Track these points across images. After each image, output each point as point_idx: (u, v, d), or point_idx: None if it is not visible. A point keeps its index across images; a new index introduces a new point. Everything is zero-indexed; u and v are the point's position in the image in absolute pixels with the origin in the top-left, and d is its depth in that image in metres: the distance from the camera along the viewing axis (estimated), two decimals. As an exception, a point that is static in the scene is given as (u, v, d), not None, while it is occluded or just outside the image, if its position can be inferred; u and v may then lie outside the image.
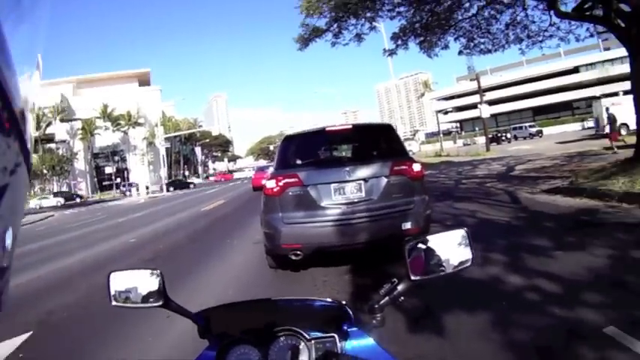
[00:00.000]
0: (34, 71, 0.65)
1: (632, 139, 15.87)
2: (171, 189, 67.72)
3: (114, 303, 1.70)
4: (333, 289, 6.04)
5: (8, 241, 0.58)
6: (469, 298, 4.97)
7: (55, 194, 68.41)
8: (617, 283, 4.96)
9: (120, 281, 1.71)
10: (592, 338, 3.75)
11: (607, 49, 78.42)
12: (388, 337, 4.08)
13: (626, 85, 15.77)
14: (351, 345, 1.53)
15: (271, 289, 6.64)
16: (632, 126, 17.45)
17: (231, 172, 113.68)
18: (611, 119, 24.92)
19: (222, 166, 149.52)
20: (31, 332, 5.94)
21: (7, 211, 0.56)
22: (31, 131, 0.63)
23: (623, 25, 13.61)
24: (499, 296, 5.03)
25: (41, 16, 0.61)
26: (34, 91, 0.64)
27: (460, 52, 21.91)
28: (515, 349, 3.78)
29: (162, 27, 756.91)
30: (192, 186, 71.56)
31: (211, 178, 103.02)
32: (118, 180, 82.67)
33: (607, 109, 32.44)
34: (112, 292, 1.70)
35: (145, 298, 1.67)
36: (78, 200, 67.90)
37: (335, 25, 20.21)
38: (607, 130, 25.50)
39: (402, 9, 19.95)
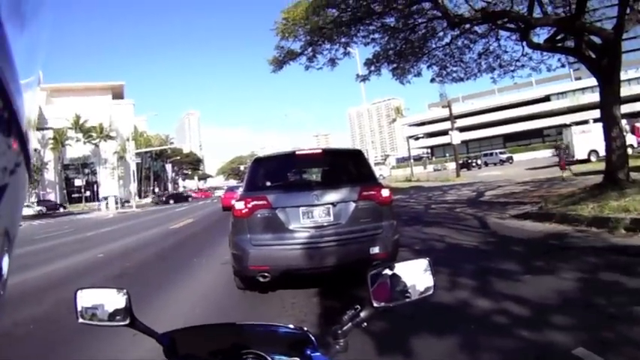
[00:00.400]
0: (36, 72, 0.64)
1: (594, 166, 16.12)
2: (172, 201, 71.23)
3: (80, 320, 1.68)
4: (301, 312, 5.98)
5: (5, 242, 0.58)
6: (437, 322, 4.94)
7: (39, 202, 69.07)
8: (586, 306, 5.01)
9: (87, 299, 1.69)
10: (561, 359, 3.77)
11: (578, 78, 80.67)
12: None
13: (596, 113, 16.13)
14: None
15: (239, 309, 6.57)
16: (602, 152, 17.88)
17: (208, 190, 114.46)
18: (560, 150, 28.31)
19: (192, 184, 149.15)
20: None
21: (6, 211, 0.56)
22: (32, 132, 0.63)
23: (594, 56, 13.95)
24: (467, 320, 5.00)
25: (43, 18, 0.61)
26: (35, 92, 0.64)
27: (432, 80, 22.24)
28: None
29: (138, 41, 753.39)
30: (190, 199, 75.70)
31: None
32: (88, 193, 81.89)
33: (556, 142, 34.31)
34: (79, 309, 1.68)
35: (112, 317, 1.66)
36: (61, 210, 68.63)
37: (309, 49, 20.36)
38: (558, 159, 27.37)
39: (376, 36, 20.21)
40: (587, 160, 35.86)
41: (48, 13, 0.63)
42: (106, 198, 68.46)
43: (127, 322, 1.63)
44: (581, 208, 10.66)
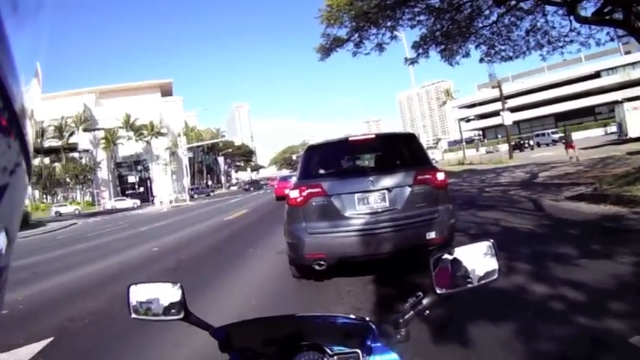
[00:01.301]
0: (36, 72, 0.65)
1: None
2: (252, 188, 79.49)
3: (134, 315, 1.73)
4: (357, 300, 6.01)
5: (4, 242, 0.58)
6: (493, 309, 4.92)
7: (131, 195, 77.01)
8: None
9: (140, 293, 1.73)
10: (617, 348, 3.73)
11: (627, 52, 77.95)
12: (412, 349, 4.10)
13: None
14: None
15: (295, 299, 6.64)
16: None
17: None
18: (566, 134, 29.30)
19: (245, 175, 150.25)
20: (52, 338, 6.03)
21: (6, 211, 0.57)
22: (32, 132, 0.64)
23: (643, 28, 13.50)
24: (524, 306, 4.99)
25: (43, 19, 0.62)
26: (35, 92, 0.65)
27: (481, 60, 21.94)
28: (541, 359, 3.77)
29: (184, 38, 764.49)
30: (265, 186, 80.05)
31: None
32: (142, 189, 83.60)
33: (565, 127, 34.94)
34: (133, 304, 1.72)
35: (166, 311, 1.69)
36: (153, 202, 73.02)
37: (356, 35, 20.24)
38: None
39: (422, 17, 19.97)
40: (641, 138, 34.63)
41: (49, 11, 0.63)
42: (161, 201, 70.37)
43: (182, 315, 1.66)
44: (636, 189, 10.44)
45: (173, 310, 1.67)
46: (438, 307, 4.79)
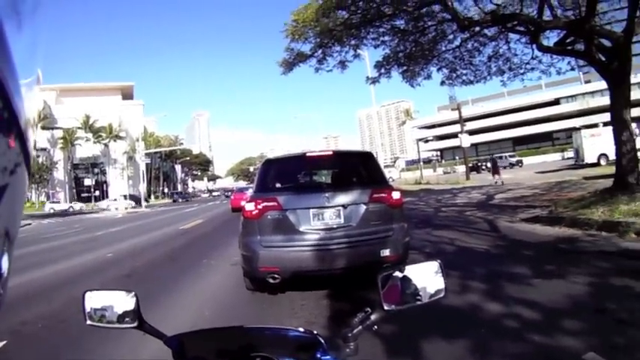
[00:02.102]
0: (36, 72, 0.64)
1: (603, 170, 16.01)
2: (231, 195, 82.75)
3: (89, 322, 1.71)
4: (311, 314, 5.97)
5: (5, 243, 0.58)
6: (448, 326, 4.93)
7: (126, 197, 75.09)
8: (597, 310, 5.00)
9: (95, 300, 1.71)
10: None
11: (588, 81, 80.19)
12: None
13: (606, 116, 16.06)
14: None
15: (248, 311, 6.56)
16: (612, 156, 17.91)
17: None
18: (494, 162, 33.67)
19: (201, 184, 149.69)
20: (5, 342, 5.83)
21: (6, 211, 0.56)
22: (32, 132, 0.63)
23: (603, 59, 13.92)
24: (478, 324, 5.00)
25: (42, 18, 0.60)
26: (35, 92, 0.64)
27: (442, 83, 22.19)
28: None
29: (149, 42, 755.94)
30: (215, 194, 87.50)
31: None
32: (97, 192, 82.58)
33: (492, 157, 40.09)
34: (87, 311, 1.70)
35: (120, 319, 1.67)
36: (144, 203, 70.93)
37: (319, 51, 20.34)
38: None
39: (386, 38, 20.17)
40: (596, 164, 35.72)
41: (47, 12, 0.63)
42: (115, 200, 69.73)
43: (136, 324, 1.65)
44: (591, 212, 10.64)
45: (127, 319, 1.67)
46: (391, 323, 4.84)
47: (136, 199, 72.70)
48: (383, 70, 21.37)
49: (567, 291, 5.77)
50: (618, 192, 12.01)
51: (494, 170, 32.34)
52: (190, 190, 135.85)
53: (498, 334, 4.61)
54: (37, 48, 0.62)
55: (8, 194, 0.55)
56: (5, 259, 0.59)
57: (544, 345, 4.21)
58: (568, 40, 15.47)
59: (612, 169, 14.71)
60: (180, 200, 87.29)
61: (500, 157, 68.45)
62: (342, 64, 21.01)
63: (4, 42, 0.50)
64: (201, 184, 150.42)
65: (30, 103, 0.59)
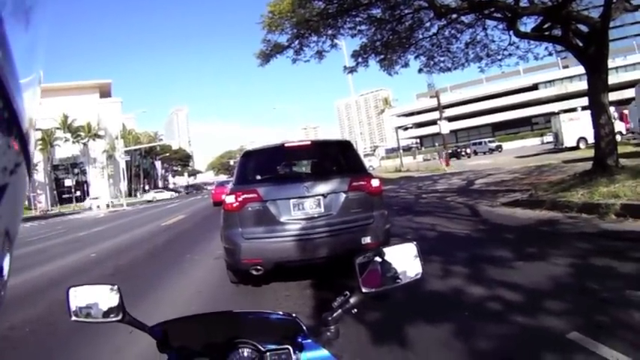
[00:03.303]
0: (37, 71, 0.63)
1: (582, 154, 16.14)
2: (194, 190, 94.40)
3: (74, 318, 1.70)
4: (295, 304, 5.99)
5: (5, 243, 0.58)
6: (431, 310, 4.98)
7: (167, 189, 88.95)
8: (579, 291, 5.05)
9: (79, 296, 1.70)
10: (556, 344, 3.80)
11: (565, 66, 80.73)
12: (352, 350, 4.07)
13: (585, 101, 16.16)
14: (306, 357, 1.55)
15: (233, 304, 6.51)
16: (591, 140, 18.08)
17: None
18: (446, 149, 36.34)
19: (182, 180, 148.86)
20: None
21: (6, 212, 0.56)
22: (33, 132, 0.63)
23: (581, 44, 13.99)
24: (461, 307, 5.04)
25: (42, 18, 0.60)
26: (36, 91, 0.64)
27: (420, 70, 22.22)
28: (480, 358, 3.79)
29: (124, 39, 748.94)
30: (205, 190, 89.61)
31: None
32: (78, 193, 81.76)
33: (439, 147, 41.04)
34: (72, 307, 1.69)
35: (105, 313, 1.67)
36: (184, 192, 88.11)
37: (296, 42, 20.24)
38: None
39: (363, 27, 20.13)
40: (576, 148, 36.03)
41: (48, 11, 0.63)
42: (96, 198, 69.41)
43: (120, 317, 1.65)
44: (571, 195, 10.72)
45: (111, 312, 1.67)
46: (375, 308, 4.86)
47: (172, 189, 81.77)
48: (360, 60, 21.36)
49: (549, 272, 5.83)
50: (597, 174, 12.11)
51: (446, 159, 36.03)
52: (171, 186, 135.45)
53: (482, 317, 4.65)
54: (38, 46, 0.61)
55: (8, 194, 0.54)
56: (6, 259, 0.60)
57: (528, 326, 4.25)
58: (545, 26, 15.49)
59: (591, 152, 14.84)
60: (194, 192, 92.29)
61: (480, 143, 69.12)
62: (320, 54, 20.93)
63: (4, 40, 0.50)
64: (182, 180, 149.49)
65: (31, 103, 0.59)
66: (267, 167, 7.72)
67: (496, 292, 5.33)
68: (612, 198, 9.45)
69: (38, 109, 0.65)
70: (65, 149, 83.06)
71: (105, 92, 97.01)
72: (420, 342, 4.24)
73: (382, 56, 21.13)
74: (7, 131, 0.53)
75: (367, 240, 6.26)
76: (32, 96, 0.60)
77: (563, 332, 3.97)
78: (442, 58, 21.45)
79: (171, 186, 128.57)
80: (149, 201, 71.25)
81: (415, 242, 1.63)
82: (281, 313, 1.64)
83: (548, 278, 5.59)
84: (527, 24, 17.68)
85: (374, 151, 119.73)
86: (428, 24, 19.78)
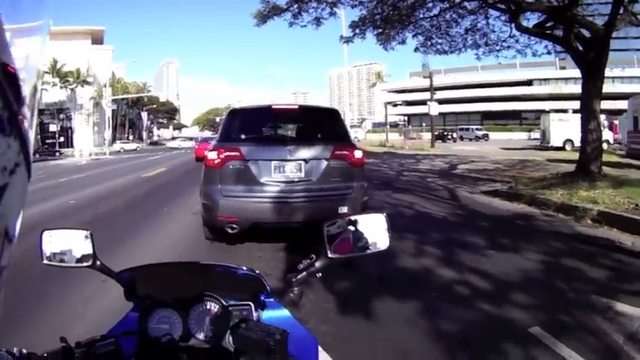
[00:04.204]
0: (37, 71, 0.65)
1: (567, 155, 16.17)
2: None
3: (45, 261, 1.71)
4: (267, 266, 6.00)
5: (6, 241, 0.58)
6: (400, 286, 5.06)
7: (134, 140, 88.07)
8: (546, 288, 5.11)
9: (52, 240, 1.71)
10: (516, 336, 3.86)
11: (562, 67, 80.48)
12: (318, 316, 4.13)
13: (576, 104, 16.15)
14: (267, 315, 1.57)
15: (206, 260, 6.54)
16: (577, 143, 18.18)
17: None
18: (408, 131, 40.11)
19: (167, 133, 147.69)
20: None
21: (6, 211, 0.57)
22: (32, 131, 0.63)
23: (581, 48, 13.95)
24: (430, 287, 5.11)
25: (42, 18, 0.62)
26: (36, 91, 0.64)
27: (416, 49, 21.96)
28: (441, 339, 3.85)
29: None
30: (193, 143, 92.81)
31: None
32: (62, 139, 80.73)
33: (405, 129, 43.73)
34: (45, 251, 1.70)
35: (75, 258, 1.69)
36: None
37: (295, 6, 19.91)
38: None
39: (365, -1, 19.91)
40: (561, 148, 36.12)
41: (48, 10, 0.63)
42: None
43: (90, 262, 1.66)
44: (550, 193, 10.78)
45: (83, 259, 1.68)
46: (346, 280, 4.92)
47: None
48: (358, 31, 21.10)
49: (520, 265, 5.89)
50: (579, 178, 12.18)
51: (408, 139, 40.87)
52: (155, 138, 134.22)
53: (448, 299, 4.72)
54: (38, 47, 0.63)
55: (8, 194, 0.55)
56: (4, 258, 0.60)
57: (492, 314, 4.33)
58: (548, 25, 15.45)
59: (576, 155, 14.91)
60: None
61: (467, 129, 69.35)
62: (318, 21, 20.60)
63: (4, 40, 0.50)
64: (167, 133, 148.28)
65: (30, 102, 0.59)
66: (252, 127, 7.69)
67: (465, 277, 5.40)
68: (591, 203, 9.48)
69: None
70: (52, 94, 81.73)
71: (97, 39, 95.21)
72: (385, 317, 4.31)
73: (380, 30, 20.85)
74: (7, 131, 0.54)
75: (344, 210, 6.32)
76: (32, 96, 0.61)
77: (526, 326, 4.03)
78: (440, 40, 21.22)
79: (155, 138, 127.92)
80: (117, 151, 71.39)
81: (385, 214, 1.63)
82: (245, 268, 1.63)
83: (518, 271, 5.65)
84: (530, 19, 17.47)
85: (361, 123, 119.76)
86: (430, 4, 19.53)
